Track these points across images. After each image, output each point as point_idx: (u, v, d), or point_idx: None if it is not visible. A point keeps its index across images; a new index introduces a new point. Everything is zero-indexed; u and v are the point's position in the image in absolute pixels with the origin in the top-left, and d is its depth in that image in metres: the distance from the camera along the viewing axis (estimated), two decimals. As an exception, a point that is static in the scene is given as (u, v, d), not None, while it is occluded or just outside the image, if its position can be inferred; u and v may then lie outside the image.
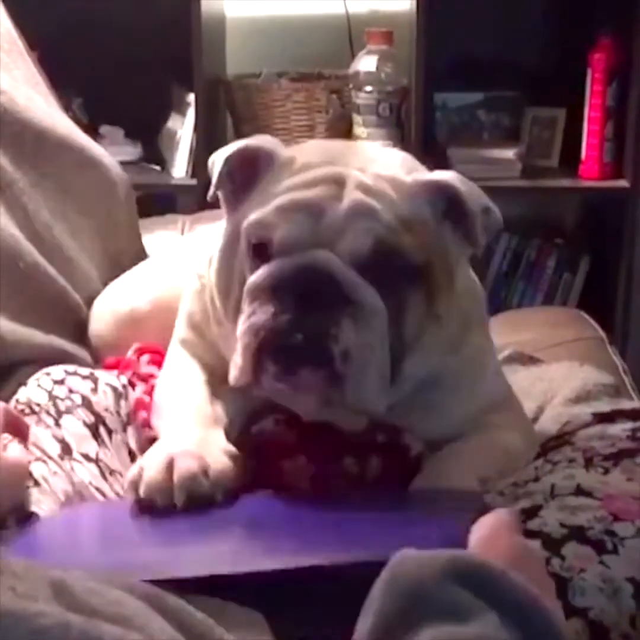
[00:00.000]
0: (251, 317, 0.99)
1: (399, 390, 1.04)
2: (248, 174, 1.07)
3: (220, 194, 1.08)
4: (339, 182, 1.01)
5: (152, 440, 1.12)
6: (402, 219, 1.01)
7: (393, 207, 1.01)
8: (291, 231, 0.99)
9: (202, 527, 0.96)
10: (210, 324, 1.14)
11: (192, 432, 1.05)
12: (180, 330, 1.20)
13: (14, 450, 0.96)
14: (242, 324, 1.00)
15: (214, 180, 1.07)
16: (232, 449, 1.04)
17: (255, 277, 1.00)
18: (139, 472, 1.00)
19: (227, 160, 1.07)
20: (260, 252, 1.01)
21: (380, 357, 0.99)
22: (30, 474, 0.99)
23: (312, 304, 0.97)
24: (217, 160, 1.08)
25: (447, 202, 1.04)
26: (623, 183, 2.59)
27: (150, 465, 0.99)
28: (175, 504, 0.96)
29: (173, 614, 0.70)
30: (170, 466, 0.99)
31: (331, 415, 1.04)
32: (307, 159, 1.04)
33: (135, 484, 0.99)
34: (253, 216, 1.02)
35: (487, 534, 0.79)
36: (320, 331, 0.96)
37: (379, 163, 1.05)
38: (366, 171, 1.03)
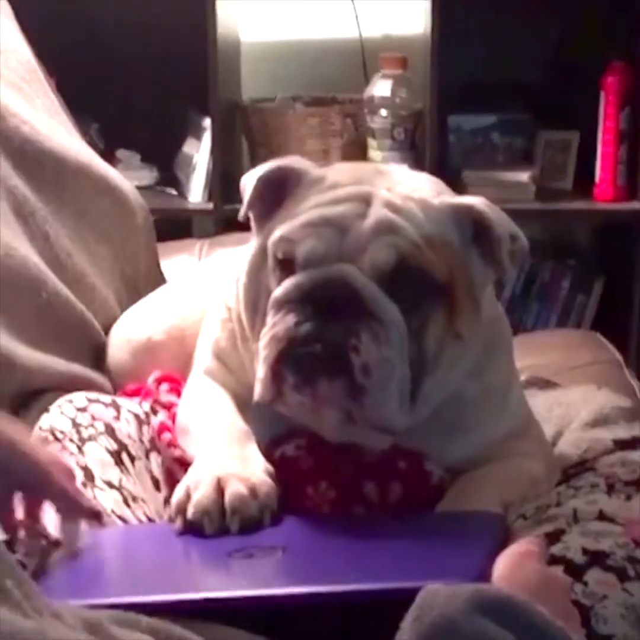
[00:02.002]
0: (274, 327, 1.01)
1: (420, 410, 1.04)
2: (277, 193, 1.09)
3: (250, 213, 1.11)
4: (366, 200, 1.03)
5: (179, 459, 1.13)
6: (427, 237, 1.02)
7: (418, 225, 1.02)
8: (316, 246, 1.01)
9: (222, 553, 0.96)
10: (235, 351, 1.15)
11: (231, 451, 1.06)
12: (205, 359, 1.20)
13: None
14: (264, 335, 1.02)
15: (246, 200, 1.09)
16: (270, 467, 1.05)
17: (280, 289, 1.02)
18: (185, 493, 1.01)
19: (259, 181, 1.09)
20: (286, 266, 1.03)
21: (400, 372, 1.00)
22: None
23: (334, 316, 0.98)
24: (248, 182, 1.10)
25: (474, 226, 1.05)
26: (637, 205, 2.59)
27: (198, 487, 1.00)
28: (224, 527, 0.98)
29: None
30: (218, 488, 1.00)
31: (354, 436, 1.05)
32: (336, 178, 1.06)
33: (182, 506, 1.00)
34: (279, 231, 1.04)
35: (513, 563, 0.80)
36: (340, 341, 0.98)
37: (407, 185, 1.07)
38: (394, 191, 1.04)
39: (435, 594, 0.70)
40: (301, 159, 1.11)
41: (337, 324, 0.98)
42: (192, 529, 0.99)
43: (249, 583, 0.90)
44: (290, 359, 0.99)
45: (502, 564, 0.80)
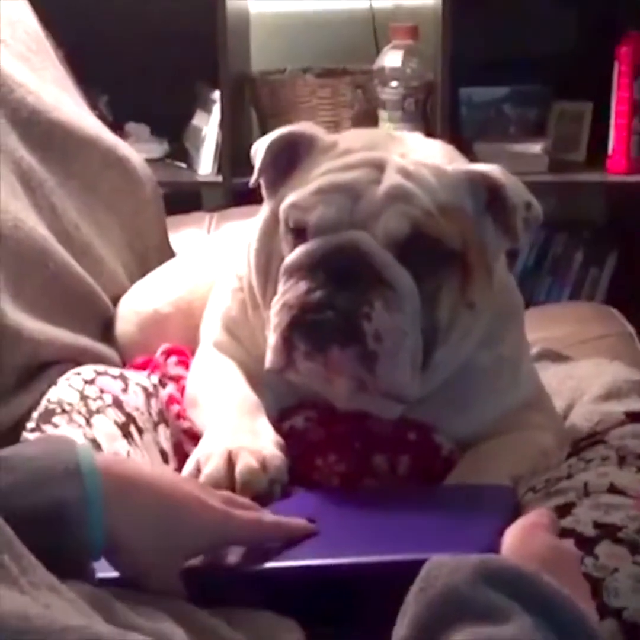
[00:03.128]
0: (285, 294, 1.00)
1: (432, 379, 1.04)
2: (289, 159, 1.08)
3: (262, 180, 1.10)
4: (379, 167, 1.02)
5: (187, 431, 1.12)
6: (441, 205, 1.01)
7: (432, 193, 1.01)
8: (328, 212, 1.00)
9: None
10: (246, 321, 1.14)
11: (241, 423, 1.05)
12: (213, 331, 1.20)
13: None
14: (275, 303, 1.01)
15: (257, 167, 1.09)
16: (281, 440, 1.04)
17: (292, 256, 1.01)
18: (196, 466, 1.01)
19: (270, 147, 1.08)
20: (298, 233, 1.02)
21: (412, 340, 0.99)
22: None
23: (346, 283, 0.98)
24: (260, 148, 1.09)
25: (489, 194, 1.04)
26: (650, 177, 2.57)
27: (209, 460, 1.00)
28: None
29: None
30: (228, 461, 0.99)
31: (365, 404, 1.04)
32: (348, 145, 1.05)
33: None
34: (291, 198, 1.03)
35: (523, 534, 0.79)
36: (351, 308, 0.97)
37: (420, 151, 1.06)
38: (407, 158, 1.03)
39: (440, 565, 0.69)
40: (313, 125, 1.10)
41: (349, 291, 0.97)
42: None
43: (269, 558, 0.89)
44: (301, 327, 0.99)
45: (512, 536, 0.79)
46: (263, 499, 0.97)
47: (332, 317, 0.97)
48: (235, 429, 1.05)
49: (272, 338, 1.01)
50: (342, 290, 0.97)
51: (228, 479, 0.98)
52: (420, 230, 0.99)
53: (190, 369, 1.20)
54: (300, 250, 1.01)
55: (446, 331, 1.02)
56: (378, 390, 1.00)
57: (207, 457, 1.01)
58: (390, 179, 1.00)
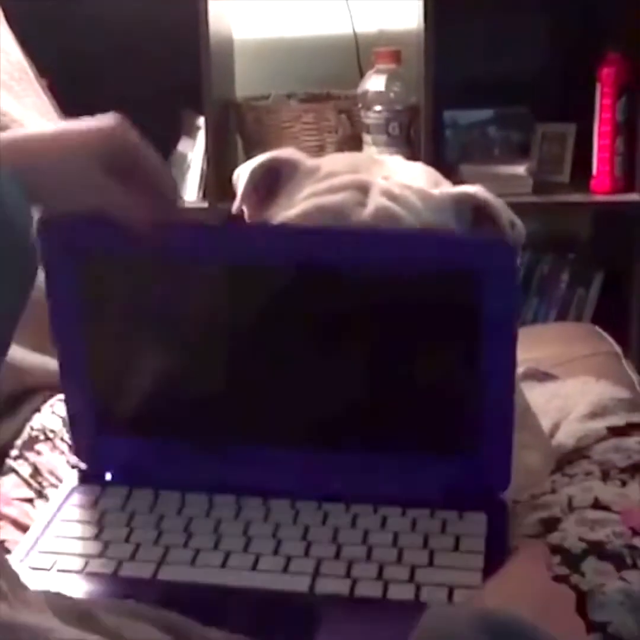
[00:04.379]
0: None
1: None
2: (272, 184, 1.08)
3: (244, 206, 1.09)
4: (363, 189, 1.02)
5: None
6: (427, 226, 1.01)
7: (417, 214, 1.01)
8: None
9: None
10: None
11: None
12: None
13: None
14: None
15: (239, 193, 1.08)
16: None
17: None
18: None
19: (253, 173, 1.08)
20: None
21: None
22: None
23: None
24: (242, 174, 1.09)
25: (474, 214, 1.04)
26: (635, 197, 2.58)
27: None
28: None
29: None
30: None
31: None
32: (331, 168, 1.05)
33: None
34: (276, 222, 1.03)
35: (522, 576, 0.78)
36: None
37: (403, 174, 1.06)
38: (391, 180, 1.03)
39: (438, 616, 0.69)
40: (295, 150, 1.10)
41: None
42: None
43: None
44: None
45: (509, 576, 0.78)
46: None
47: None
48: None
49: None
50: None
51: None
52: None
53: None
54: None
55: None
56: None
57: None
58: (376, 201, 1.00)
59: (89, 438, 1.01)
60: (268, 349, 0.94)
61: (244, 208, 1.10)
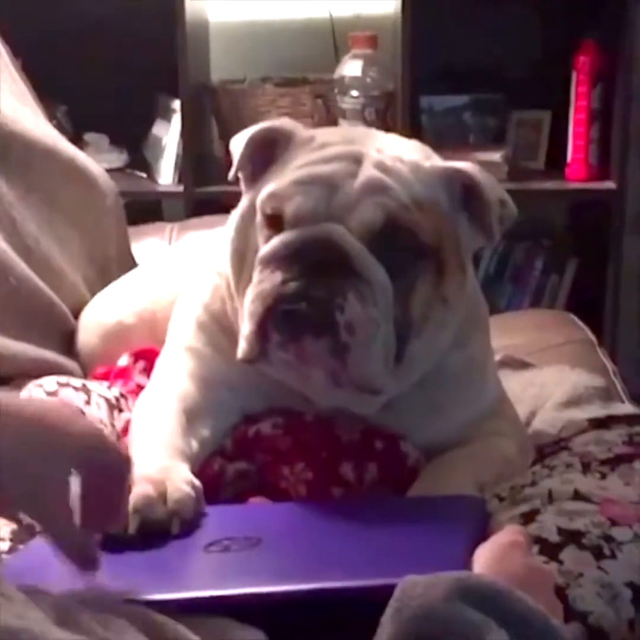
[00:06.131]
0: (260, 284, 1.01)
1: (407, 374, 1.04)
2: (267, 154, 1.09)
3: (240, 174, 1.10)
4: (356, 160, 1.03)
5: None
6: (416, 199, 1.02)
7: (408, 187, 1.02)
8: (304, 203, 1.01)
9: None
10: (226, 318, 1.12)
11: (156, 461, 1.01)
12: (185, 335, 1.16)
13: None
14: (250, 293, 1.01)
15: (236, 161, 1.09)
16: (195, 480, 1.00)
17: (267, 247, 1.02)
18: None
19: (249, 142, 1.09)
20: (274, 223, 1.03)
21: (384, 333, 1.00)
22: None
23: (320, 274, 0.99)
24: (238, 142, 1.10)
25: (464, 191, 1.05)
26: (609, 184, 2.59)
27: None
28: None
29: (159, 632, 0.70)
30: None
31: (340, 399, 1.05)
32: (326, 139, 1.06)
33: None
34: (269, 188, 1.04)
35: (499, 552, 0.79)
36: (325, 299, 0.98)
37: (397, 148, 1.07)
38: (384, 153, 1.04)
39: (415, 584, 0.69)
40: (291, 121, 1.11)
41: (323, 282, 0.98)
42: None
43: (227, 581, 0.86)
44: (276, 316, 0.99)
45: (488, 554, 0.79)
46: (158, 529, 0.93)
47: (306, 307, 0.98)
48: (147, 464, 1.00)
49: (245, 327, 1.01)
50: (317, 281, 0.98)
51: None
52: (395, 222, 1.00)
53: (149, 381, 1.18)
54: (276, 241, 1.01)
55: (419, 324, 1.03)
56: (351, 382, 1.00)
57: None
58: (367, 172, 1.01)
59: None
60: None
61: (240, 175, 1.11)
